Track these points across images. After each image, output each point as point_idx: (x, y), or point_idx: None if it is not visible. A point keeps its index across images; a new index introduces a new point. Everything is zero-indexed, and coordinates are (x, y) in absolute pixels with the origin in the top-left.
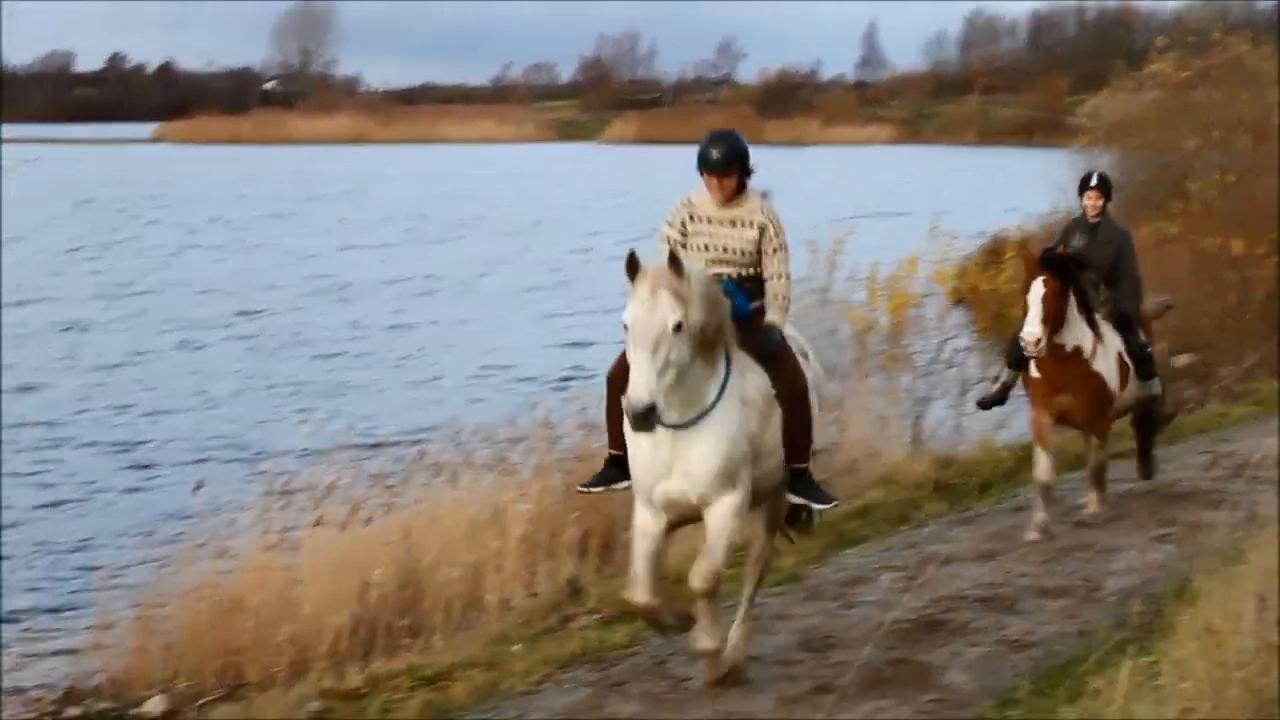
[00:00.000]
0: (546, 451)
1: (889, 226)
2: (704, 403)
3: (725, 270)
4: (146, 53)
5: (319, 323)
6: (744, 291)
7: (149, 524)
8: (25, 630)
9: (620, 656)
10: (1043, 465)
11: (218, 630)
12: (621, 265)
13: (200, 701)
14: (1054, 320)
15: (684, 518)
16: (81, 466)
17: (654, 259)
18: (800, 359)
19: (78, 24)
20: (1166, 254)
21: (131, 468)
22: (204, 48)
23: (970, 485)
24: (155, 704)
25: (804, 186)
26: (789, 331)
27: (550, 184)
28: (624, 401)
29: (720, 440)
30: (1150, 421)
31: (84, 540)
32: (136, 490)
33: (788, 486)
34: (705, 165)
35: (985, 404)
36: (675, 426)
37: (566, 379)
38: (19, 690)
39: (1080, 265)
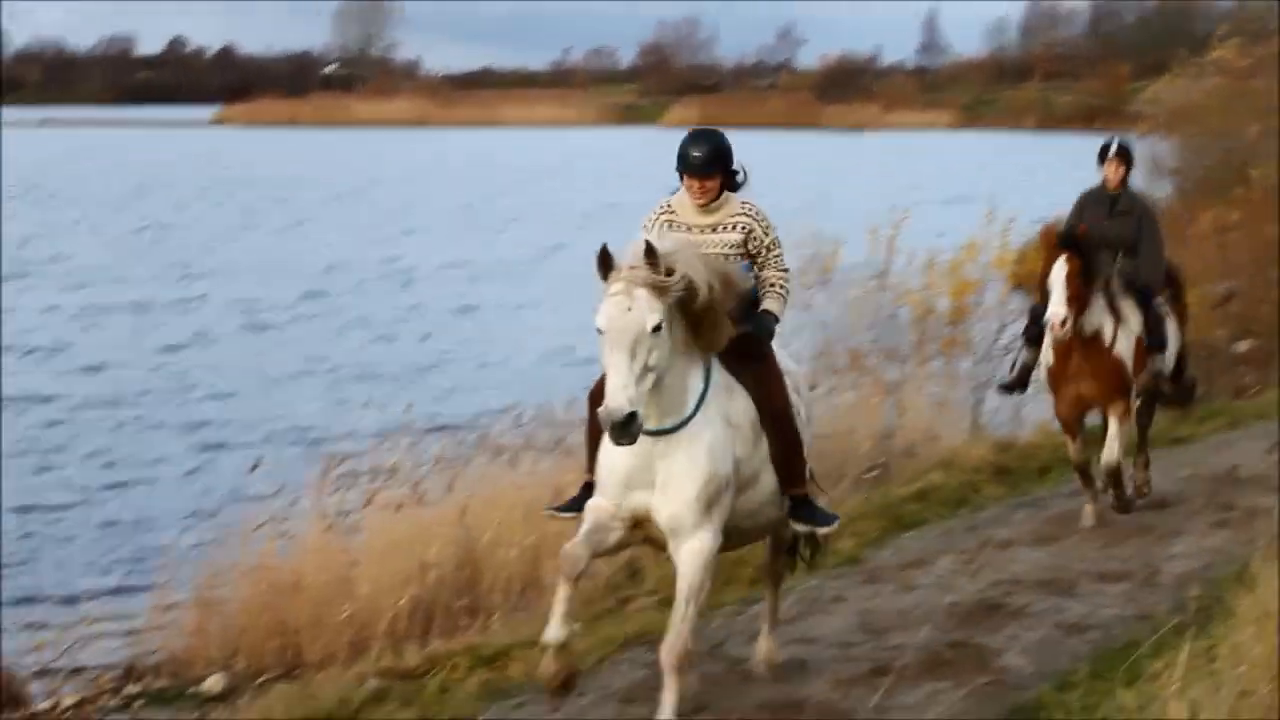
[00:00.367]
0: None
1: (949, 212)
2: (684, 409)
3: None
4: (207, 36)
5: (382, 305)
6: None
7: (211, 505)
8: (87, 608)
9: None
10: (1073, 451)
11: (277, 610)
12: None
13: (259, 680)
14: (1079, 300)
15: (644, 538)
16: (145, 447)
17: (628, 253)
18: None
19: (139, 7)
20: (1228, 241)
21: (195, 448)
22: (264, 32)
23: (1029, 469)
24: (214, 682)
25: (863, 172)
26: (782, 357)
27: (613, 167)
28: (601, 412)
29: (703, 453)
30: (1153, 401)
31: (146, 520)
32: (199, 471)
33: (790, 515)
34: (684, 166)
35: (1007, 388)
36: (652, 433)
37: None
38: (80, 669)
39: (1102, 243)
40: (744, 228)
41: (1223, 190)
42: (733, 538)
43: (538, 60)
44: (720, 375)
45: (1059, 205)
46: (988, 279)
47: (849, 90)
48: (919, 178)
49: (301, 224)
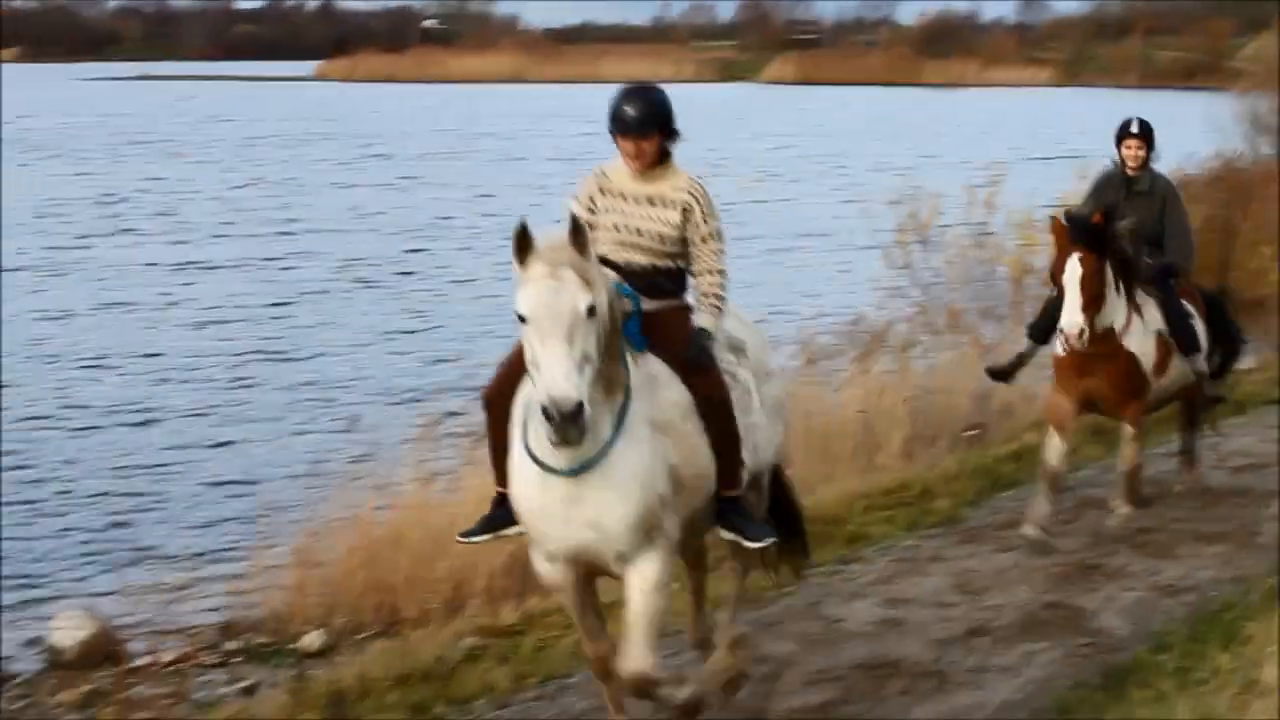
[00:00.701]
0: None
1: (1048, 169)
2: (600, 436)
3: (636, 258)
4: None
5: (481, 262)
6: (656, 285)
7: (312, 463)
8: (188, 566)
9: (775, 597)
10: (1054, 449)
11: (376, 567)
12: (767, 210)
13: (357, 637)
14: (1095, 304)
15: (600, 570)
16: (249, 405)
17: (550, 233)
18: (735, 358)
19: None
20: None
21: (298, 406)
22: None
23: None
24: (313, 639)
25: (962, 129)
26: (734, 328)
27: (714, 123)
28: (544, 403)
29: (631, 485)
30: (1192, 406)
31: (250, 478)
32: (301, 429)
33: (717, 519)
34: (618, 126)
35: (994, 373)
36: (568, 473)
37: None
38: (181, 626)
39: (1117, 235)
40: (685, 207)
41: None
42: (692, 534)
43: (637, 15)
44: (638, 373)
45: (1161, 164)
46: None
47: (949, 46)
48: (1018, 135)
49: (405, 179)
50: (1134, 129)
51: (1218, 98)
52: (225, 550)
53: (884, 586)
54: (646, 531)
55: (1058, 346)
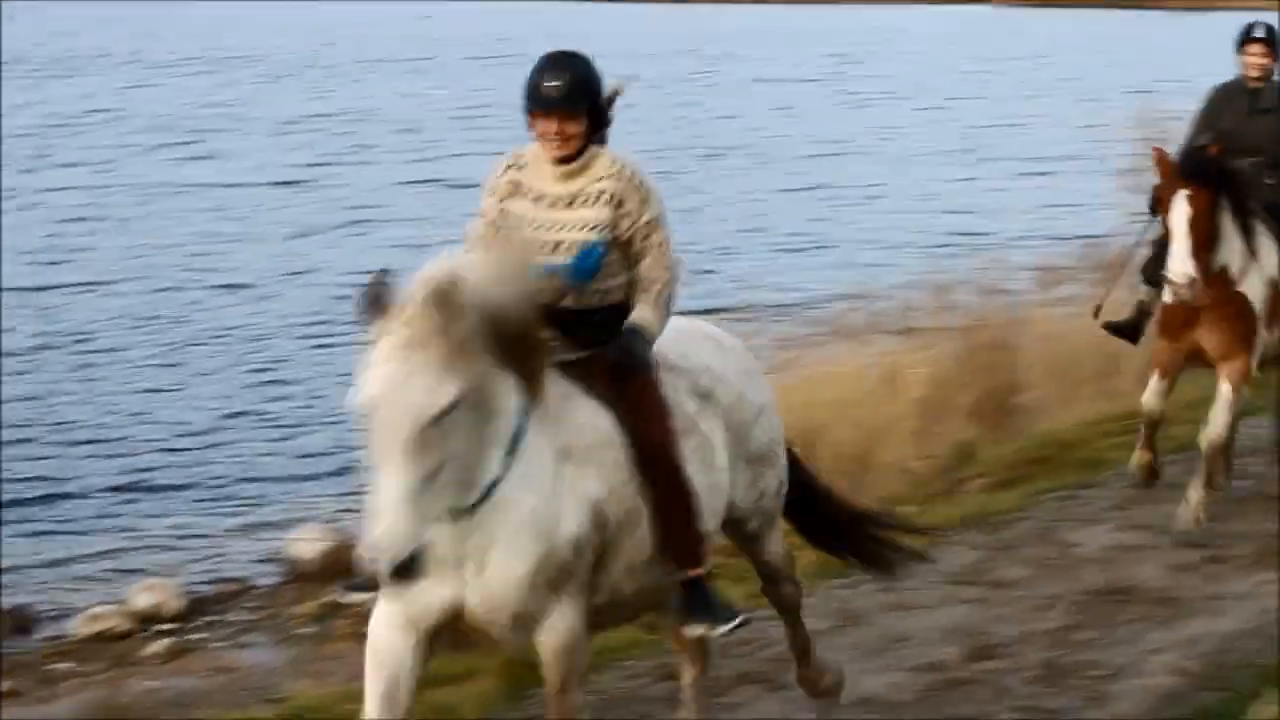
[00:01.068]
0: (944, 315)
1: None
2: (487, 470)
3: (555, 283)
4: None
5: (724, 186)
6: (585, 321)
7: None
8: None
9: (1009, 520)
10: (1153, 389)
11: None
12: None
13: None
14: (1207, 246)
15: (475, 638)
16: None
17: (417, 283)
18: (696, 406)
19: None
20: None
21: None
22: None
23: None
24: None
25: (1208, 55)
26: (700, 361)
27: (949, 48)
28: (361, 553)
29: (521, 537)
30: None
31: None
32: None
33: (677, 604)
34: (534, 102)
35: (1115, 329)
36: (454, 513)
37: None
38: None
39: (1239, 152)
40: (613, 198)
41: None
42: (622, 609)
43: None
44: (547, 389)
45: None
46: None
47: None
48: None
49: (651, 102)
50: (1258, 33)
51: None
52: None
53: (1120, 512)
54: (551, 584)
55: (1165, 294)
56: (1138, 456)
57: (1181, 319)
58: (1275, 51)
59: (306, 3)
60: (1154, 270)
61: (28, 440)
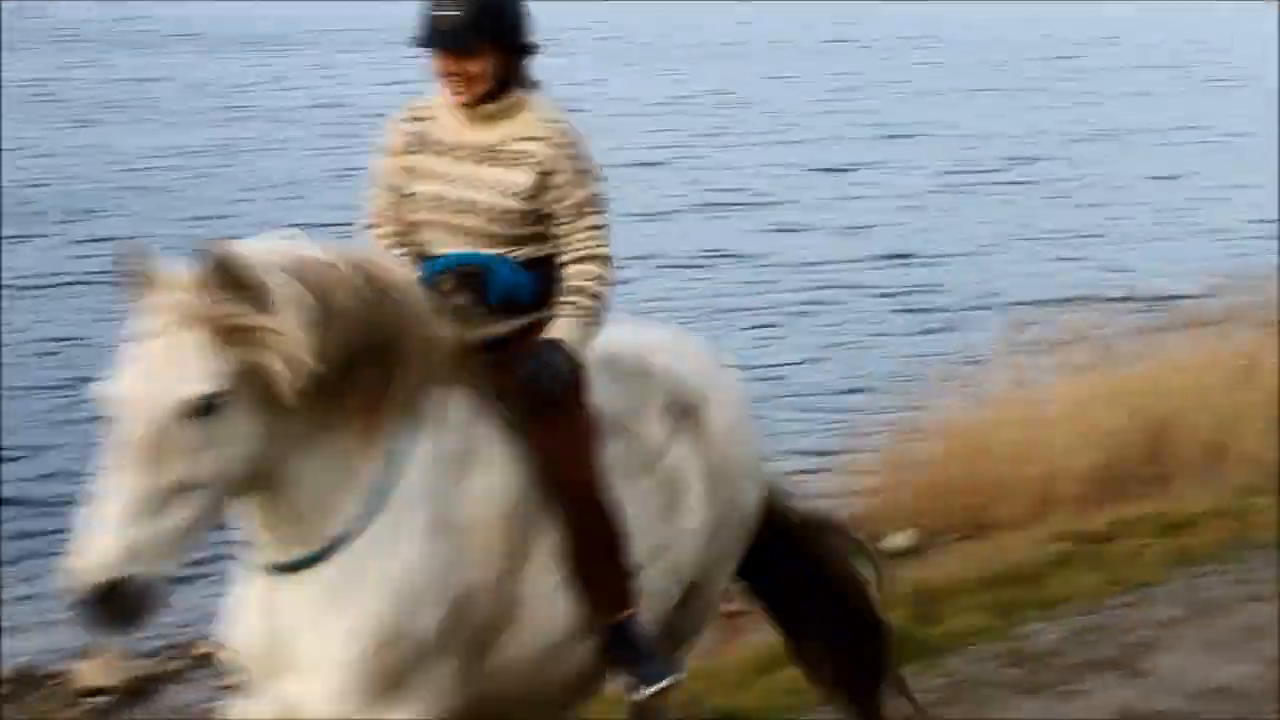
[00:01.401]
0: None
1: None
2: (333, 523)
3: (470, 245)
4: None
5: (1082, 171)
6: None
7: (910, 369)
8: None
9: None
10: None
11: (964, 470)
12: None
13: (945, 539)
14: None
15: None
16: (850, 312)
17: (198, 256)
18: (669, 427)
19: None
20: None
21: (899, 312)
22: None
23: None
24: (901, 539)
25: None
26: (678, 371)
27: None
28: (63, 574)
29: (368, 599)
30: None
31: (851, 384)
32: (908, 336)
33: (605, 653)
34: (430, 37)
35: None
36: (277, 568)
37: None
38: None
39: None
40: (540, 164)
41: None
42: (525, 706)
43: None
44: (434, 436)
45: None
46: None
47: None
48: None
49: (1011, 86)
50: None
51: None
52: (819, 454)
53: None
54: (383, 681)
55: None
56: None
57: None
58: None
59: None
60: None
61: None
